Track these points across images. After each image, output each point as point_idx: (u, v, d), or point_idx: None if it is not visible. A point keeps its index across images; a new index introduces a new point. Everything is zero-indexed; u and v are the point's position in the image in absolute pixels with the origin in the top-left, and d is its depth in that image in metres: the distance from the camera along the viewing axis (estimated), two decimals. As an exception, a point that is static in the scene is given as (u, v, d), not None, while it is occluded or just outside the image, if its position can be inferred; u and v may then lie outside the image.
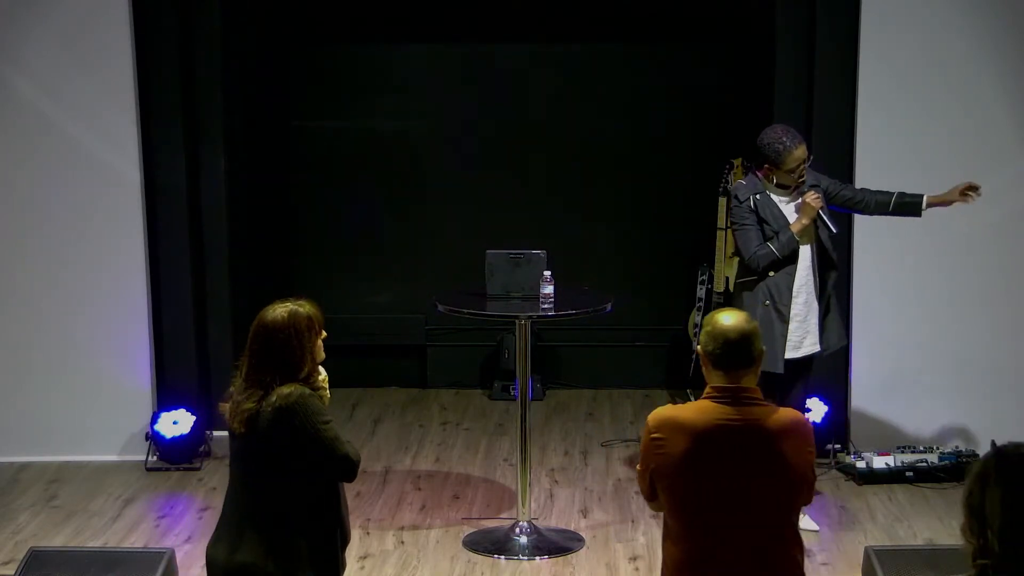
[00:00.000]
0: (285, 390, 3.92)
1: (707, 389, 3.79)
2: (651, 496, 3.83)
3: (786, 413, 3.80)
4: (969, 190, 6.13)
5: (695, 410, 3.75)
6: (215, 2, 7.19)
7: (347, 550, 4.15)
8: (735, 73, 8.23)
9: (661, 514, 3.78)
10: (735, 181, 7.47)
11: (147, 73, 7.06)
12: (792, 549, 3.79)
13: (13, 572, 5.23)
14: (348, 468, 3.98)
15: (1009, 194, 6.92)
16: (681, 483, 3.72)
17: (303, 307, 4.03)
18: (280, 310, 4.00)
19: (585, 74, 8.49)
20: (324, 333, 4.07)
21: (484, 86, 8.50)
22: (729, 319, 3.79)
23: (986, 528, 2.90)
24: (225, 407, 4.03)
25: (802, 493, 3.77)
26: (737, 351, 3.75)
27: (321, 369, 4.08)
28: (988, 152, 6.92)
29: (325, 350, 4.08)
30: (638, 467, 3.87)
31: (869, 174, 6.73)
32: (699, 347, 3.82)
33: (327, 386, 4.09)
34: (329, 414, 4.00)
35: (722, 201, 7.61)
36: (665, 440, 3.72)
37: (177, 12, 7.08)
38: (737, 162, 7.60)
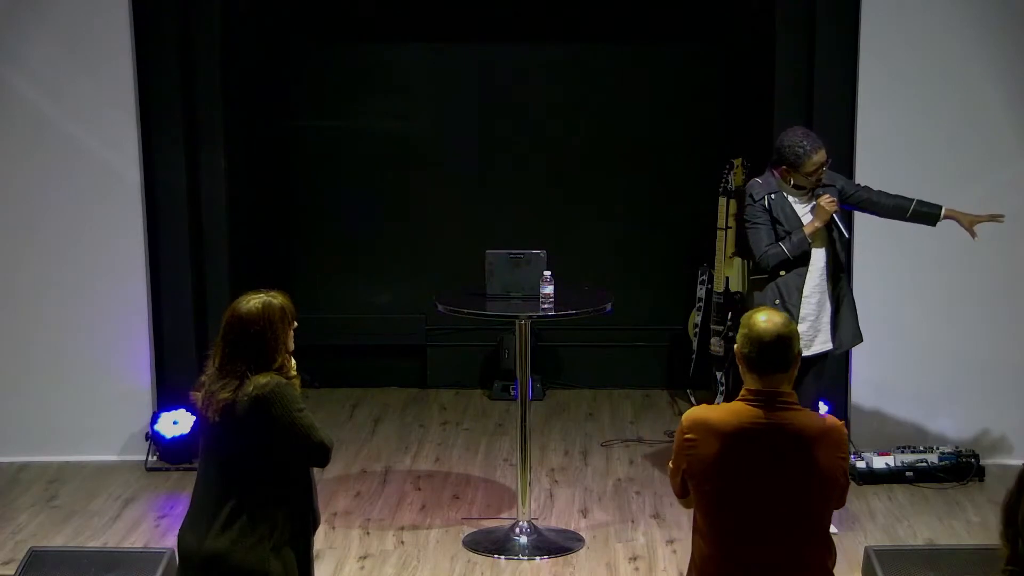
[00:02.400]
0: (262, 380, 3.95)
1: (742, 391, 3.81)
2: (682, 494, 3.88)
3: (819, 418, 3.82)
4: (992, 220, 6.16)
5: (728, 412, 3.78)
6: (215, 2, 7.19)
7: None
8: (735, 73, 8.23)
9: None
10: (738, 179, 7.47)
11: (147, 73, 7.06)
12: (822, 553, 3.79)
13: (13, 572, 5.23)
14: (323, 454, 4.03)
15: (1009, 194, 6.91)
16: (711, 484, 3.76)
17: (276, 298, 4.06)
18: (254, 301, 4.03)
19: (585, 74, 8.48)
20: (295, 323, 4.09)
21: (484, 86, 8.50)
22: (765, 321, 3.78)
23: (1018, 536, 2.84)
24: (197, 396, 4.05)
25: (833, 498, 3.79)
26: (771, 354, 3.75)
27: (291, 358, 4.11)
28: (988, 152, 6.93)
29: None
30: (670, 464, 3.91)
31: (869, 173, 6.72)
32: (736, 347, 3.83)
33: (296, 375, 4.12)
34: (303, 402, 4.02)
35: (722, 201, 7.60)
36: (697, 441, 3.77)
37: (177, 12, 7.08)
38: (737, 162, 7.59)
